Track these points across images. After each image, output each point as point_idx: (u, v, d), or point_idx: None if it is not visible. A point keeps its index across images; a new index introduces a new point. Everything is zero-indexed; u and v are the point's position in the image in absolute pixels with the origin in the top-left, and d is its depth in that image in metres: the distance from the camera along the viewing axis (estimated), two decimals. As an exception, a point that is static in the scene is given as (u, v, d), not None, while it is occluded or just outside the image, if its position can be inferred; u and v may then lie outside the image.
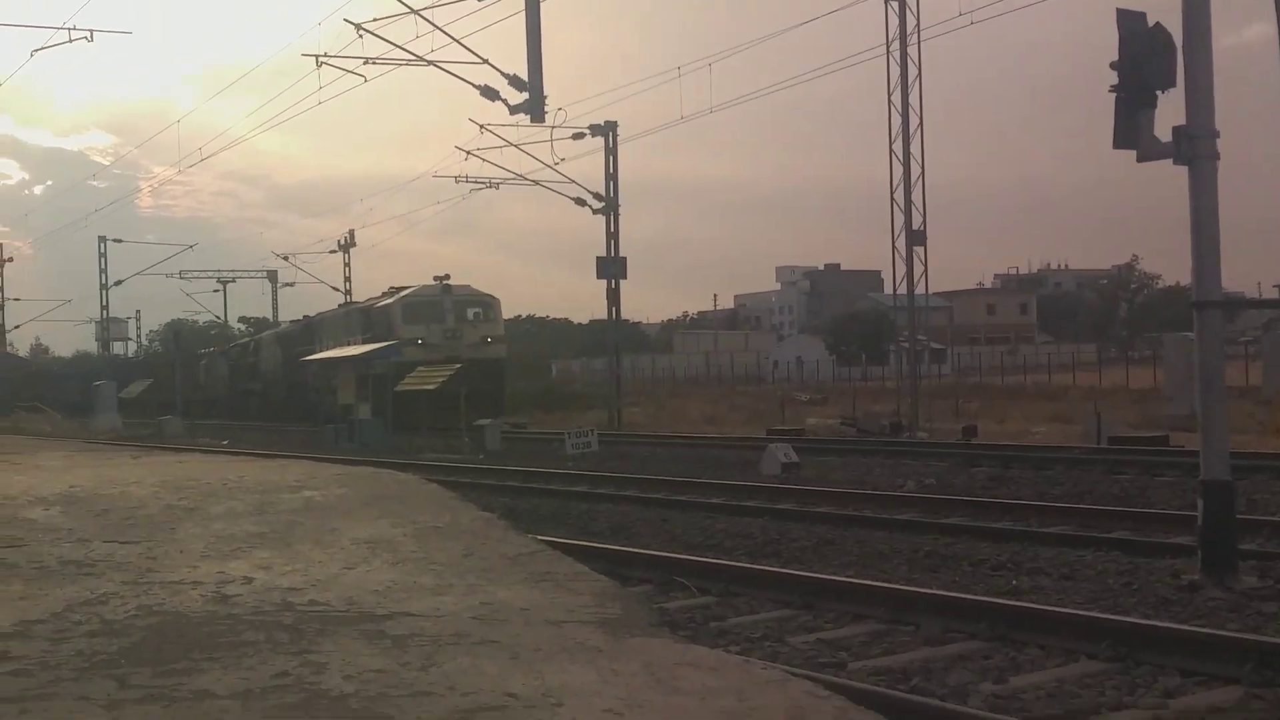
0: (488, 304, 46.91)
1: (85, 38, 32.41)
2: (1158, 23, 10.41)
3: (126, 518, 8.53)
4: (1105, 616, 8.80)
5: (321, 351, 50.78)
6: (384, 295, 48.87)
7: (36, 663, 4.85)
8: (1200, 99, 10.37)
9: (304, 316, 60.62)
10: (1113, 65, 10.42)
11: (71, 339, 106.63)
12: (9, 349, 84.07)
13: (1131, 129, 10.31)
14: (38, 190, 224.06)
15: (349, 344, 48.19)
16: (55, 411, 65.94)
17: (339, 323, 53.37)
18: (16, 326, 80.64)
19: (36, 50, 35.20)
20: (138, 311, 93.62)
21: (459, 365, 39.10)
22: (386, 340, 42.97)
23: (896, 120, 34.57)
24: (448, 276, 45.95)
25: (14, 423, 58.96)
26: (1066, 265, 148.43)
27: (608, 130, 41.84)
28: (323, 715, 4.12)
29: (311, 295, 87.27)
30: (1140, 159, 10.35)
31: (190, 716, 4.13)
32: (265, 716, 4.12)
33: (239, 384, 64.27)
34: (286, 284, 73.51)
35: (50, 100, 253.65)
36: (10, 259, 75.66)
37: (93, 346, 78.54)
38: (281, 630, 5.29)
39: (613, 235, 42.22)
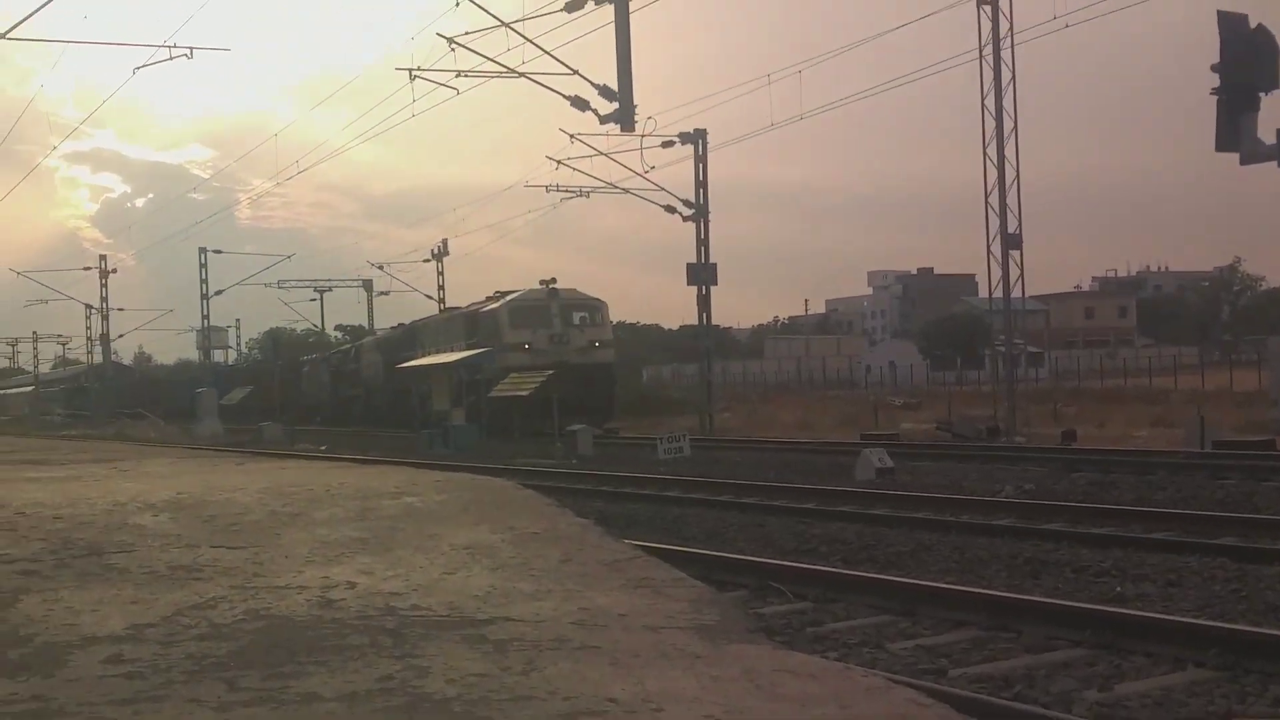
0: (595, 307, 45.26)
1: (185, 55, 32.86)
2: (1260, 24, 10.24)
3: (232, 523, 8.67)
4: (1213, 624, 8.66)
5: (423, 357, 50.85)
6: (488, 300, 47.88)
7: (148, 665, 4.93)
8: (1307, 97, 10.24)
9: (404, 323, 60.34)
10: (1214, 68, 10.26)
11: (173, 347, 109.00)
12: (114, 357, 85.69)
13: (1234, 131, 10.15)
14: (139, 203, 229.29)
15: (452, 349, 47.97)
16: (159, 418, 67.25)
17: (441, 328, 52.67)
18: (120, 336, 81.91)
19: (139, 67, 35.78)
20: (237, 320, 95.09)
21: (550, 371, 39.19)
22: (491, 345, 42.96)
23: (990, 124, 34.23)
24: (554, 280, 44.68)
25: (119, 429, 60.10)
26: (1166, 267, 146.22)
27: (697, 138, 41.85)
28: (426, 718, 4.16)
29: (406, 303, 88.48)
30: (1243, 162, 10.20)
31: (298, 718, 4.18)
32: (370, 719, 4.17)
33: (341, 390, 64.14)
34: (381, 293, 74.10)
35: (152, 115, 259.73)
36: (114, 270, 76.62)
37: (194, 354, 79.99)
38: (385, 634, 5.34)
39: (703, 241, 42.21)
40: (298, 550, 7.47)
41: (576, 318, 44.35)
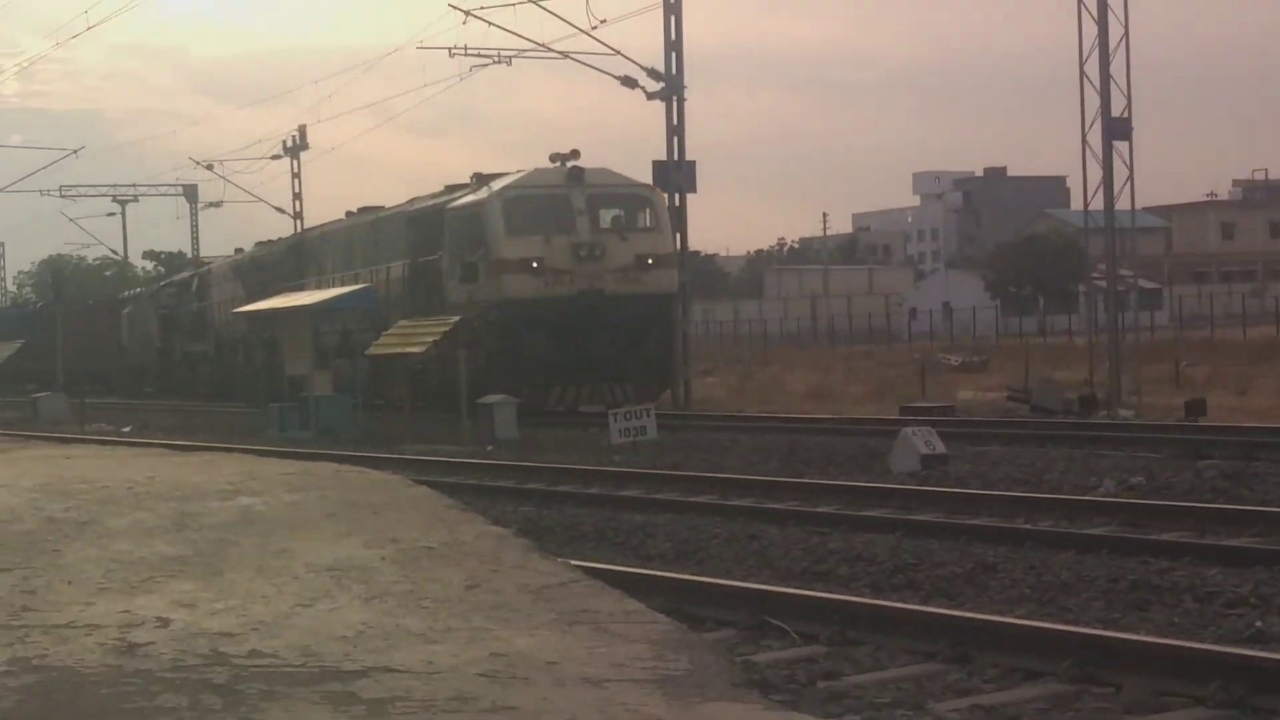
0: (643, 199, 40.05)
1: None
2: None
3: (-8, 535, 8.65)
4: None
5: (318, 286, 48.07)
6: (449, 190, 43.01)
7: None
8: None
9: (293, 234, 56.94)
10: None
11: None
12: None
13: None
14: None
15: (382, 275, 44.45)
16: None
17: (359, 238, 48.48)
18: None
19: None
20: (1, 244, 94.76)
21: (456, 319, 38.32)
22: (473, 259, 38.40)
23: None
24: (576, 154, 38.95)
25: None
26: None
27: (675, -22, 41.76)
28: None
29: (246, 218, 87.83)
30: None
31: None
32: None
33: (178, 343, 60.45)
34: (211, 204, 74.06)
35: None
36: None
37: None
38: (212, 692, 5.34)
39: (675, 129, 42.31)
40: (87, 573, 7.47)
41: (612, 217, 39.34)
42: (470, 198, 39.83)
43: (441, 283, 39.84)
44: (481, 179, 40.40)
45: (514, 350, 37.06)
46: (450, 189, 42.57)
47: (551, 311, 36.79)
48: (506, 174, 40.17)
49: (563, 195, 38.27)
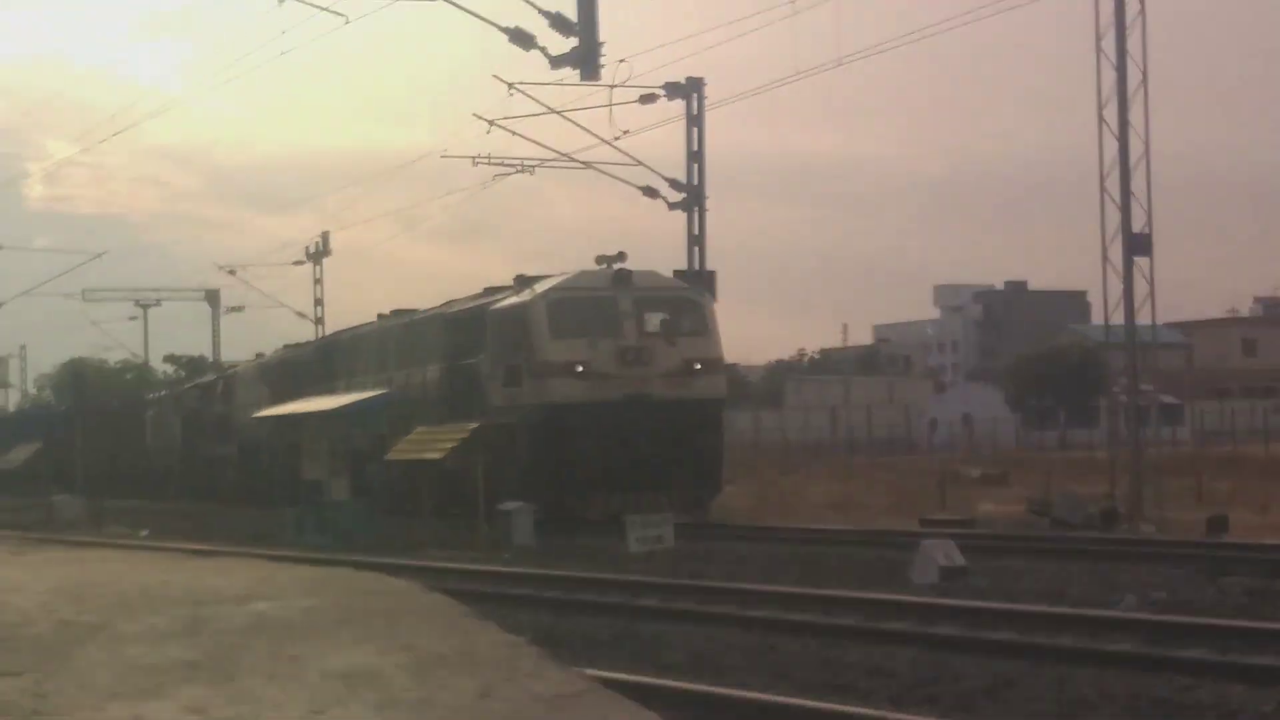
0: (691, 304, 38.15)
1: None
2: None
3: (4, 638, 8.63)
4: None
5: (347, 388, 46.77)
6: (489, 292, 41.18)
7: None
8: None
9: (321, 337, 54.95)
10: None
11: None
12: None
13: None
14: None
15: (417, 378, 42.97)
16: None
17: (392, 340, 46.40)
18: None
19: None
20: (22, 347, 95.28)
21: (474, 426, 38.10)
22: (516, 362, 36.71)
23: (1109, 76, 34.51)
24: (622, 256, 37.03)
25: None
26: None
27: (691, 90, 42.09)
28: None
29: (268, 323, 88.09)
30: None
31: None
32: None
33: (200, 445, 59.00)
34: (234, 308, 74.07)
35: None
36: None
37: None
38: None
39: (696, 240, 42.47)
40: (98, 678, 7.43)
41: (660, 320, 37.31)
42: (513, 300, 38.01)
43: (483, 385, 38.28)
44: (524, 281, 38.98)
45: (557, 455, 35.40)
46: (490, 291, 41.03)
47: (596, 416, 35.06)
48: (550, 276, 38.52)
49: (609, 298, 36.53)
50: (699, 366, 36.44)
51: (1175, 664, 14.25)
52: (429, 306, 45.55)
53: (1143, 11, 34.28)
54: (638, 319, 36.34)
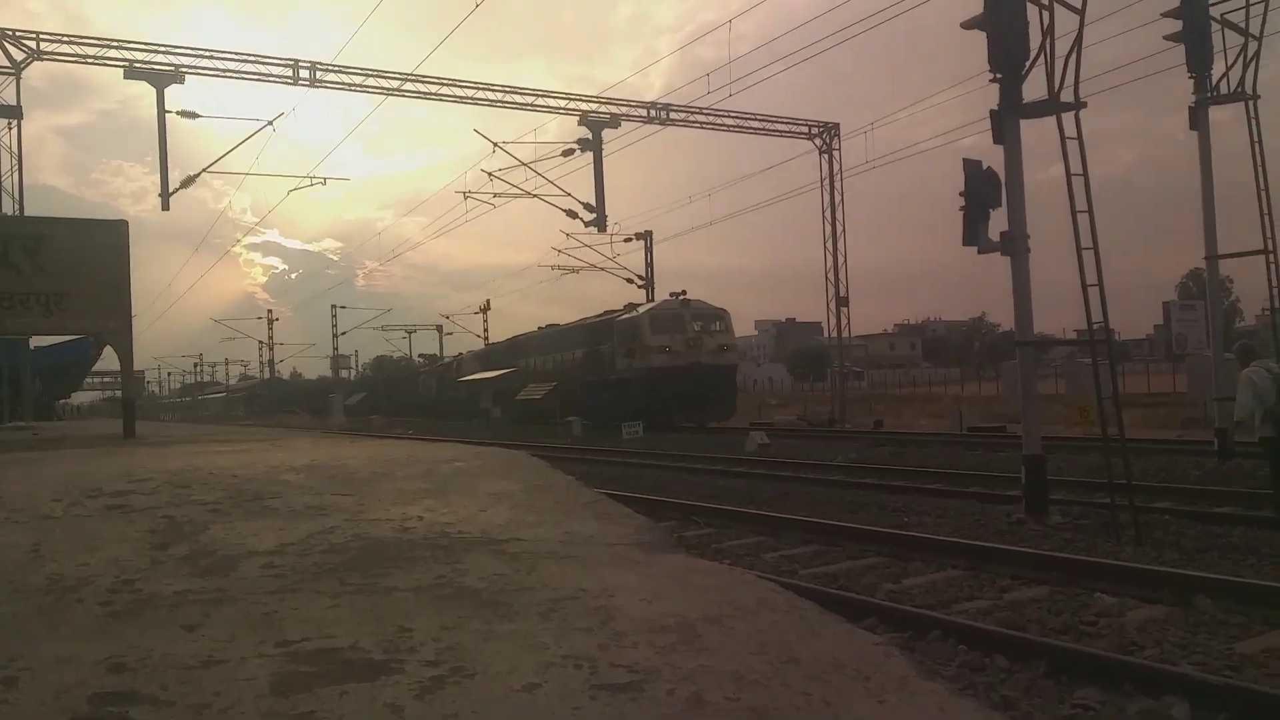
0: (720, 316, 34.58)
1: (321, 182, 33.04)
2: (989, 166, 10.39)
3: (345, 479, 8.58)
4: (963, 541, 8.74)
5: (526, 366, 42.42)
6: (606, 314, 37.32)
7: (289, 569, 4.88)
8: (1016, 214, 10.33)
9: (512, 337, 48.87)
10: (961, 193, 10.39)
11: (315, 368, 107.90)
12: (277, 374, 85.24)
13: (974, 233, 10.29)
14: (294, 276, 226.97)
15: (565, 357, 38.48)
16: (306, 413, 66.77)
17: (554, 338, 41.03)
18: (281, 360, 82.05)
19: (291, 190, 35.87)
20: (356, 351, 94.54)
21: (554, 383, 37.44)
22: (631, 348, 33.11)
23: (828, 228, 34.65)
24: (684, 292, 33.99)
25: (280, 420, 59.79)
26: (940, 317, 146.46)
27: (646, 237, 42.01)
28: (465, 601, 4.14)
29: (462, 340, 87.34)
30: (980, 252, 10.32)
31: (382, 603, 4.15)
32: (429, 602, 4.14)
33: (443, 394, 54.52)
34: (448, 333, 74.11)
35: (302, 220, 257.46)
36: (277, 319, 77.11)
37: (328, 372, 79.05)
38: (440, 549, 5.29)
39: (650, 300, 42.19)
40: (387, 496, 7.41)
41: (704, 325, 33.99)
42: (629, 315, 34.52)
43: (611, 359, 34.36)
44: (631, 306, 36.14)
45: (655, 394, 31.76)
46: (608, 313, 37.26)
47: (674, 374, 31.81)
48: (645, 304, 36.02)
49: (678, 313, 33.08)
50: (724, 348, 33.58)
51: (860, 484, 14.23)
52: (565, 322, 41.81)
53: (842, 200, 34.38)
54: (693, 324, 33.05)
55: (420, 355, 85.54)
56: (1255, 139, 14.20)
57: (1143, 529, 9.00)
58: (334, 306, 66.71)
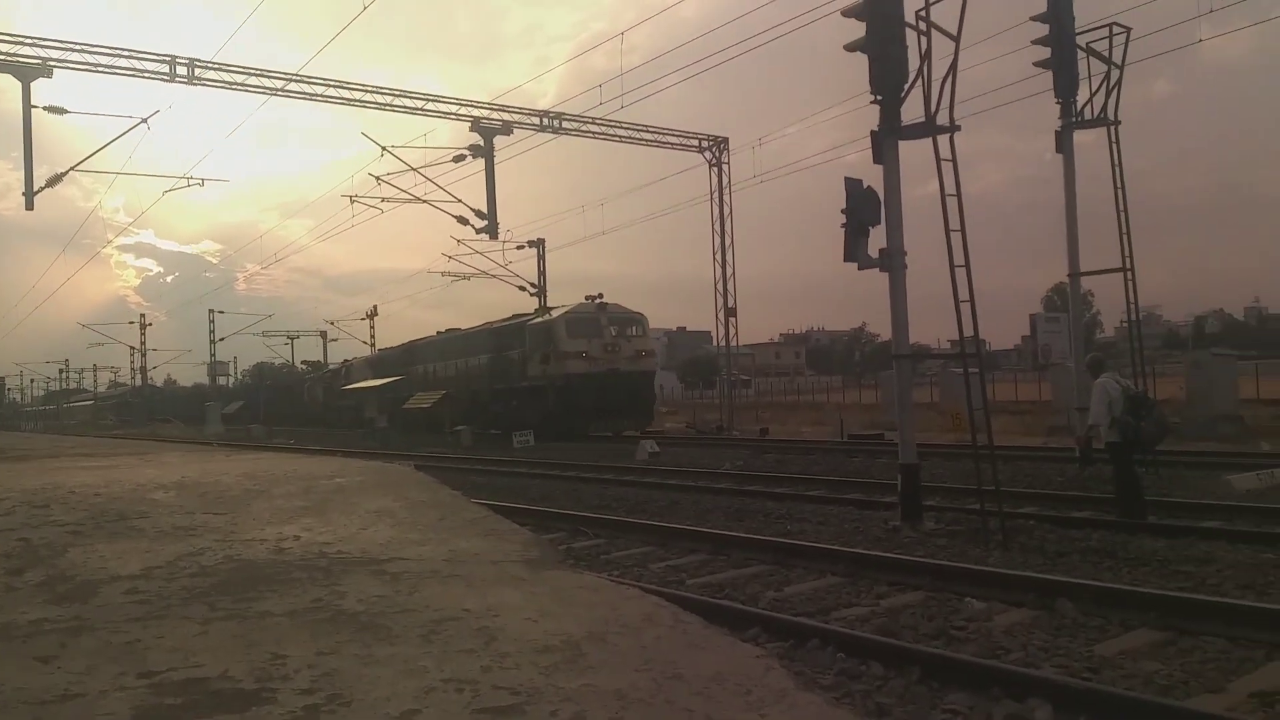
0: (638, 320, 32.71)
1: (199, 183, 31.93)
2: (869, 185, 10.72)
3: (218, 497, 8.24)
4: (842, 548, 8.93)
5: (423, 372, 40.51)
6: (515, 318, 35.44)
7: (155, 594, 4.67)
8: (894, 232, 10.68)
9: (407, 342, 45.62)
10: (843, 210, 10.69)
11: (191, 375, 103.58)
12: (149, 381, 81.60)
13: (855, 249, 10.59)
14: (169, 279, 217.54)
15: (473, 363, 36.22)
16: (180, 423, 64.04)
17: (455, 344, 38.88)
18: (155, 367, 78.38)
19: (167, 190, 34.60)
20: (235, 358, 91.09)
21: (444, 392, 36.67)
22: (546, 353, 31.08)
23: (718, 240, 35.09)
24: (601, 295, 32.08)
25: (152, 430, 57.24)
26: (824, 327, 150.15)
27: (539, 244, 41.72)
28: (343, 625, 4.04)
29: (347, 347, 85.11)
30: (860, 268, 10.63)
31: (255, 629, 4.01)
32: (305, 626, 4.02)
33: (330, 401, 51.55)
34: (333, 339, 72.22)
35: (178, 222, 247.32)
36: (150, 324, 73.89)
37: (205, 379, 75.93)
38: (318, 571, 5.14)
39: (542, 308, 41.93)
40: (262, 515, 7.15)
41: (622, 329, 32.05)
42: (542, 319, 32.66)
43: (523, 364, 32.46)
44: (542, 310, 34.66)
45: (571, 402, 30.14)
46: (516, 316, 35.66)
47: (591, 380, 30.14)
48: (560, 306, 33.50)
49: (595, 317, 31.32)
50: (643, 354, 31.89)
51: (745, 492, 14.40)
52: (468, 327, 39.54)
53: (731, 213, 34.91)
54: (610, 328, 31.29)
55: (303, 362, 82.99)
56: (1116, 162, 15.03)
57: (1009, 534, 9.40)
58: (211, 311, 64.01)
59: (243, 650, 3.67)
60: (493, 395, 34.14)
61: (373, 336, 63.66)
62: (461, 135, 30.69)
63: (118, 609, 4.38)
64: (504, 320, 36.14)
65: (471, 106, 30.77)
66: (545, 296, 41.17)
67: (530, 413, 31.20)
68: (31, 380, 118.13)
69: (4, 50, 24.80)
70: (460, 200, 30.65)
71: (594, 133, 32.89)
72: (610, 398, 30.03)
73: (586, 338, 30.80)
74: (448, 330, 41.54)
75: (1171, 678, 5.23)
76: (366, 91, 29.36)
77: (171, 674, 3.38)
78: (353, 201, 33.28)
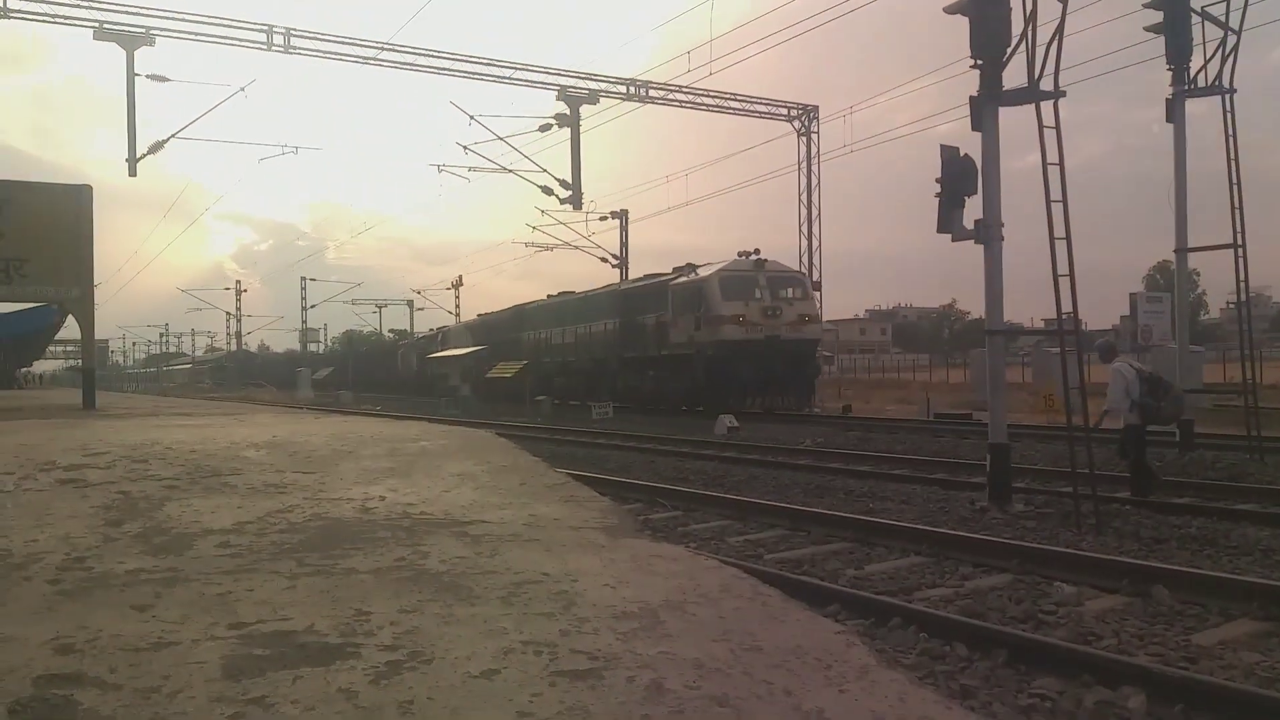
0: (800, 281, 28.52)
1: (293, 151, 32.74)
2: (966, 153, 10.41)
3: (308, 457, 8.49)
4: (927, 528, 8.78)
5: (533, 338, 37.73)
6: (643, 279, 31.85)
7: (246, 548, 4.83)
8: (991, 202, 10.36)
9: (514, 306, 42.02)
10: (937, 180, 10.41)
11: (284, 341, 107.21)
12: (244, 346, 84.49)
13: (949, 220, 10.31)
14: (263, 247, 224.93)
15: (597, 329, 32.67)
16: (272, 387, 66.22)
17: (573, 308, 35.10)
18: (249, 333, 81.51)
19: (262, 159, 35.51)
20: (325, 325, 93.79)
21: (525, 362, 35.86)
22: (697, 316, 27.05)
23: (804, 213, 34.65)
24: (757, 251, 27.70)
25: (246, 394, 59.31)
26: (911, 304, 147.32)
27: (622, 215, 41.71)
28: (425, 585, 4.10)
29: (434, 316, 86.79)
30: (954, 240, 10.35)
31: (341, 585, 4.10)
32: (388, 585, 4.11)
33: (425, 369, 48.05)
34: (420, 309, 73.66)
35: (274, 190, 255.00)
36: (246, 290, 76.55)
37: (296, 345, 78.33)
38: (401, 531, 5.25)
39: (624, 279, 42.05)
40: (349, 475, 7.34)
41: (784, 291, 27.44)
42: (689, 278, 28.28)
43: (663, 331, 28.68)
44: (685, 268, 29.58)
45: (723, 372, 26.37)
46: (650, 276, 31.72)
47: (749, 349, 26.26)
48: (712, 263, 28.67)
49: (753, 275, 27.17)
50: (807, 319, 27.46)
51: (826, 469, 14.27)
52: (586, 290, 36.27)
53: (819, 184, 34.34)
54: (771, 290, 27.05)
55: (390, 330, 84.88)
56: (1230, 133, 14.30)
57: (1103, 518, 9.11)
58: (303, 279, 65.96)
59: (328, 605, 3.76)
60: (623, 365, 30.79)
61: (457, 306, 64.74)
62: (548, 104, 30.82)
63: (210, 561, 4.54)
64: (637, 281, 32.29)
65: (559, 75, 30.84)
66: (627, 269, 41.22)
67: (674, 385, 28.12)
68: (134, 344, 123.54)
69: (109, 19, 25.71)
70: (545, 170, 30.81)
71: (681, 101, 32.68)
72: (769, 369, 26.33)
73: (743, 300, 26.60)
74: (561, 293, 38.35)
75: (1274, 670, 5.02)
76: (454, 59, 29.66)
77: (260, 626, 3.48)
78: (440, 170, 33.72)
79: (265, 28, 27.37)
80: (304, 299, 65.39)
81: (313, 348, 75.67)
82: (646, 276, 31.97)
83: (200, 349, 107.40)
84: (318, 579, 4.20)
